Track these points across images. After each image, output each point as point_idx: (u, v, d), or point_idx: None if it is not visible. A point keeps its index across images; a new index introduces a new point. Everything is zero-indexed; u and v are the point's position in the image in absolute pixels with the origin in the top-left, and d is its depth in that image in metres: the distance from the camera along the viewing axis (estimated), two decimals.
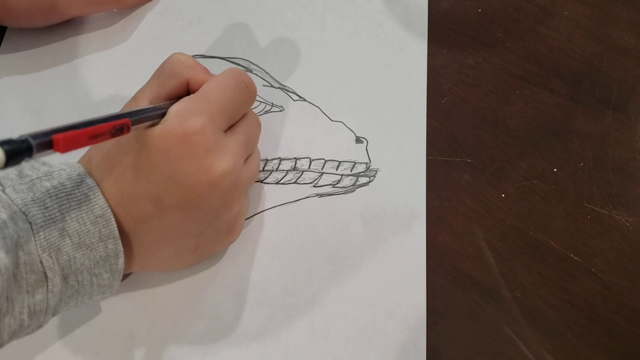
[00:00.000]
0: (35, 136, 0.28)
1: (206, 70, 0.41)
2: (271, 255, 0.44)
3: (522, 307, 0.42)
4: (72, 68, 0.52)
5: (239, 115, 0.41)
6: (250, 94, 0.41)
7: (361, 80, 0.50)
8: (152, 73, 0.50)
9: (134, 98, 0.40)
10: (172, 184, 0.37)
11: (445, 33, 0.51)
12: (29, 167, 0.37)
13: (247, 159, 0.42)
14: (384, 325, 0.41)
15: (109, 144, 0.38)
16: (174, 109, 0.38)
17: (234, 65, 0.51)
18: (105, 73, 0.51)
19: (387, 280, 0.43)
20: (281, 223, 0.45)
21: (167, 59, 0.41)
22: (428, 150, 0.47)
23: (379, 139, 0.47)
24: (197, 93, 0.39)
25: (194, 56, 0.51)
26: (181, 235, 0.39)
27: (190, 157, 0.37)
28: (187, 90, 0.41)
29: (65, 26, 0.52)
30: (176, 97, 0.40)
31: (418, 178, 0.46)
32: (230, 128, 0.40)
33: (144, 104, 0.39)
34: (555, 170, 0.46)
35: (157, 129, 0.37)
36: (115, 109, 0.50)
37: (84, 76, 0.51)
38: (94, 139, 0.32)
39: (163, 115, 0.37)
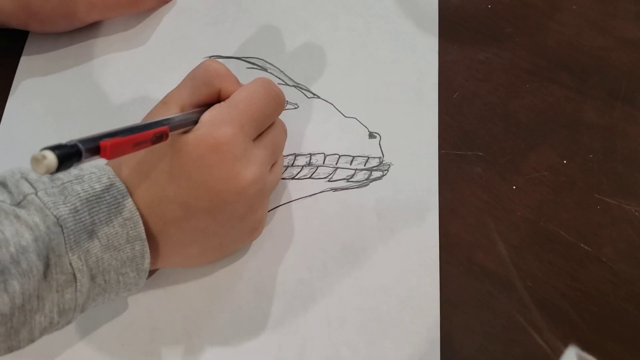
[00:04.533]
0: (84, 142, 0.30)
1: (237, 80, 0.42)
2: (288, 248, 0.45)
3: (534, 296, 0.43)
4: (92, 70, 0.53)
5: (267, 124, 0.42)
6: (279, 102, 0.43)
7: (373, 77, 0.51)
8: (170, 73, 0.52)
9: (164, 102, 0.41)
10: (202, 190, 0.38)
11: (455, 29, 0.52)
12: None
13: (272, 165, 0.43)
14: (398, 314, 0.43)
15: (141, 150, 0.39)
16: (206, 117, 0.39)
17: (250, 65, 0.52)
18: (125, 74, 0.53)
19: (401, 271, 0.44)
20: (297, 217, 0.46)
21: (201, 65, 0.41)
22: (440, 144, 0.48)
23: (392, 134, 0.48)
24: (227, 101, 0.40)
25: (210, 57, 0.53)
26: (207, 236, 0.41)
27: (220, 165, 0.38)
28: (217, 98, 0.42)
29: (86, 29, 0.54)
30: (206, 105, 0.41)
31: (430, 171, 0.47)
32: (258, 137, 0.42)
33: (174, 109, 0.40)
34: (565, 162, 0.47)
35: (191, 136, 0.38)
36: (135, 109, 0.51)
37: (104, 77, 0.53)
38: (136, 146, 0.33)
39: (195, 122, 0.39)
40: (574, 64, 0.50)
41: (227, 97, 0.41)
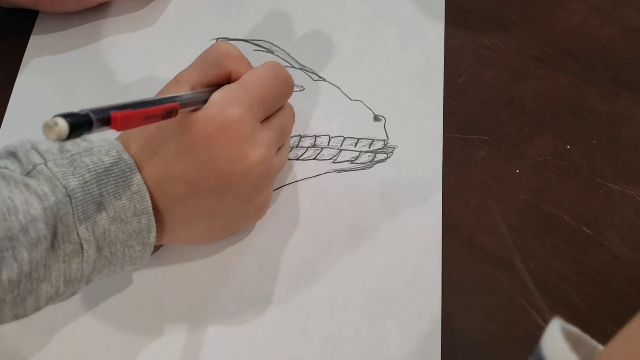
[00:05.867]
0: (95, 111, 0.30)
1: (248, 62, 0.43)
2: (292, 227, 0.46)
3: (535, 278, 0.43)
4: (101, 50, 0.53)
5: (275, 107, 0.43)
6: (288, 86, 0.43)
7: (379, 61, 0.51)
8: (178, 55, 0.52)
9: (176, 81, 0.41)
10: (209, 169, 0.39)
11: (462, 15, 0.53)
12: (70, 142, 0.39)
13: (279, 148, 0.44)
14: (401, 294, 0.43)
15: (150, 127, 0.39)
16: (216, 96, 0.39)
17: (256, 47, 0.52)
18: (132, 55, 0.53)
19: (404, 252, 0.44)
20: (302, 197, 0.47)
21: (213, 46, 0.42)
22: (445, 127, 0.48)
23: (397, 117, 0.49)
24: (237, 82, 0.41)
25: (217, 39, 0.53)
26: (212, 215, 0.41)
27: (228, 144, 0.38)
28: (228, 79, 0.42)
29: (95, 10, 0.54)
30: (217, 85, 0.41)
31: (434, 154, 0.47)
32: (266, 119, 0.42)
33: (184, 88, 0.40)
34: (568, 147, 0.47)
35: (200, 114, 0.38)
36: (142, 89, 0.52)
37: (112, 58, 0.53)
38: (147, 119, 0.34)
39: (205, 101, 0.39)
40: (580, 52, 0.50)
41: (238, 79, 0.41)
